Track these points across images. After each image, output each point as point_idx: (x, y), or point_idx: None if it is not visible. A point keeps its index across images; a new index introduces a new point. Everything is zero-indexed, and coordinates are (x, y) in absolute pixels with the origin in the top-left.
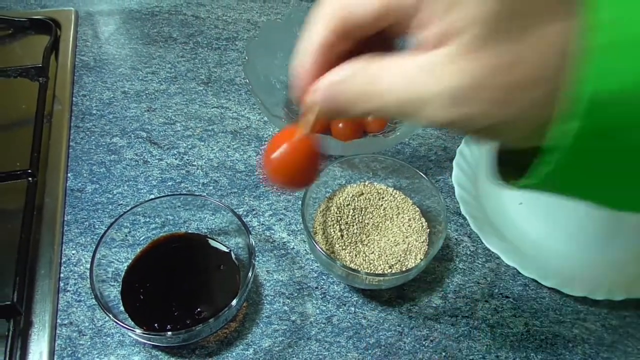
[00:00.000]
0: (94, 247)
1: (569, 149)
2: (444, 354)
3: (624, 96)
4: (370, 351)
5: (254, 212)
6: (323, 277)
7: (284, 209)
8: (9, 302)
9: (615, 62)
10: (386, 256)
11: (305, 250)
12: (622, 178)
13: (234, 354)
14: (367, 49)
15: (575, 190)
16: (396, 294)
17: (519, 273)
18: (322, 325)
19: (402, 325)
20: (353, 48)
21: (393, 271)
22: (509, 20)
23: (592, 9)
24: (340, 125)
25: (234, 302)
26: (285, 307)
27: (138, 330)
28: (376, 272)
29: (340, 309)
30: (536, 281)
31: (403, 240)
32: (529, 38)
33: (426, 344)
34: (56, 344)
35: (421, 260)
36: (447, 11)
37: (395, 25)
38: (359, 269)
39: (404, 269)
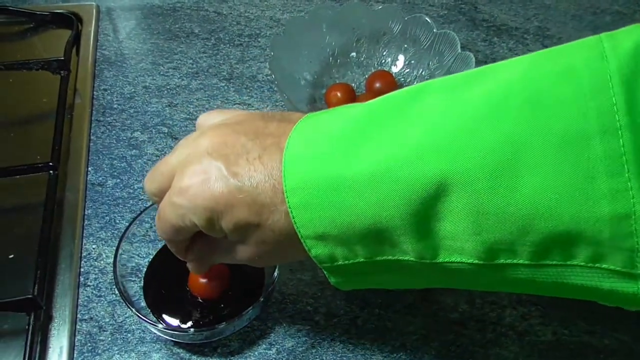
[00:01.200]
0: (115, 241)
1: (332, 270)
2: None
3: (334, 234)
4: (395, 354)
5: None
6: None
7: None
8: (30, 296)
9: (310, 214)
10: None
11: None
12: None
13: (256, 353)
14: None
15: (374, 286)
16: (421, 297)
17: None
18: (346, 326)
19: (427, 329)
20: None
21: None
22: (243, 227)
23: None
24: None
25: (260, 299)
26: (309, 307)
27: (160, 326)
28: None
29: (365, 310)
30: None
31: None
32: (262, 230)
33: (452, 349)
34: (76, 339)
35: None
36: (209, 233)
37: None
38: None
39: None
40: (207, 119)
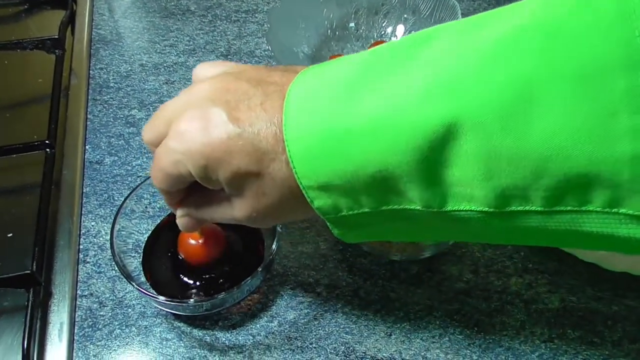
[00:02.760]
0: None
1: (336, 221)
2: (476, 329)
3: (336, 186)
4: (399, 325)
5: None
6: (349, 249)
7: None
8: (28, 272)
9: (312, 163)
10: None
11: None
12: (404, 238)
13: (257, 325)
14: None
15: (378, 238)
16: (425, 268)
17: (555, 248)
18: (349, 298)
19: (431, 299)
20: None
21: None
22: (242, 176)
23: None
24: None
25: (259, 269)
26: (311, 279)
27: (161, 298)
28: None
29: (368, 282)
30: (573, 256)
31: None
32: (262, 180)
33: (457, 318)
34: (76, 315)
35: None
36: (206, 184)
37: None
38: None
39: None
40: (206, 70)
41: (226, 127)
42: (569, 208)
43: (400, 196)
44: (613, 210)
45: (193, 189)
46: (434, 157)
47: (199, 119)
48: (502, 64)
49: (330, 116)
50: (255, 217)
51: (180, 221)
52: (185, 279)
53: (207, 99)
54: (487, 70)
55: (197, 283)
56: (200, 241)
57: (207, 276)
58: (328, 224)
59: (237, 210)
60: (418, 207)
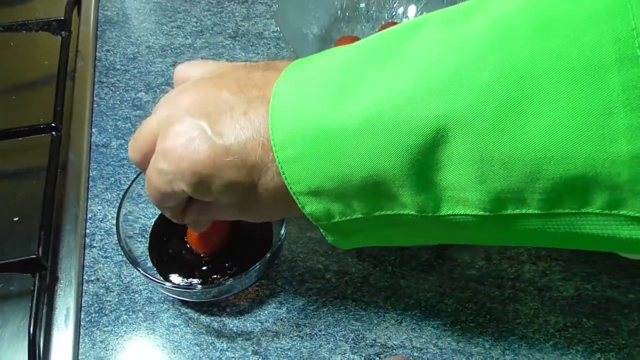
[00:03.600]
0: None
1: (328, 228)
2: (488, 316)
3: (328, 189)
4: (409, 312)
5: None
6: None
7: None
8: (34, 256)
9: (301, 168)
10: None
11: None
12: (397, 243)
13: (266, 312)
14: None
15: (374, 244)
16: (436, 254)
17: None
18: (359, 284)
19: (443, 287)
20: None
21: None
22: (234, 189)
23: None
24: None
25: (267, 255)
26: (320, 265)
27: (168, 284)
28: None
29: (377, 268)
30: None
31: None
32: (255, 190)
33: (469, 306)
34: (83, 300)
35: None
36: (199, 196)
37: None
38: None
39: None
40: (186, 71)
41: (212, 143)
42: (567, 210)
43: (393, 201)
44: (613, 212)
45: (192, 199)
46: (424, 160)
47: (183, 135)
48: (493, 59)
49: (318, 120)
50: (257, 217)
51: (191, 225)
52: (193, 264)
53: (188, 113)
54: (477, 67)
55: (205, 269)
56: (206, 232)
57: (215, 262)
58: (321, 230)
59: (235, 214)
60: (412, 213)
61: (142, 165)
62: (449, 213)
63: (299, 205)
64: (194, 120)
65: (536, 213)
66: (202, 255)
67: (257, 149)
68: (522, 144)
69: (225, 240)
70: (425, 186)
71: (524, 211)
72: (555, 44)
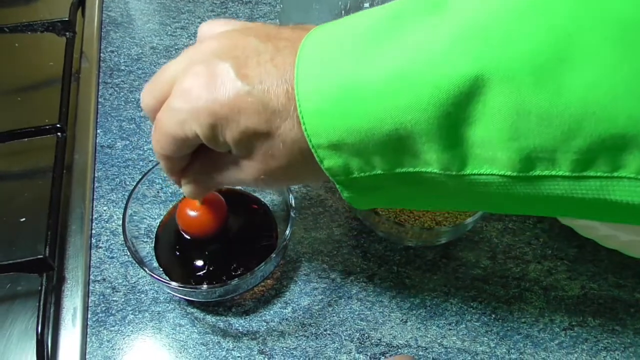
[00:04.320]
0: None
1: (346, 184)
2: (493, 315)
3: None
4: (414, 311)
5: None
6: (363, 235)
7: None
8: (41, 256)
9: (323, 120)
10: (433, 212)
11: (345, 208)
12: (415, 205)
13: (271, 311)
14: None
15: (390, 205)
16: (441, 254)
17: (575, 234)
18: (364, 284)
19: (448, 286)
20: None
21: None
22: (250, 136)
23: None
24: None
25: (273, 255)
26: (325, 265)
27: (174, 284)
28: (423, 227)
29: (382, 268)
30: (594, 242)
31: None
32: (272, 141)
33: (474, 305)
34: (90, 300)
35: (470, 216)
36: (213, 146)
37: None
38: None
39: (451, 226)
40: (211, 28)
41: (234, 84)
42: (599, 174)
43: (416, 158)
44: None
45: (197, 154)
46: (457, 113)
47: (204, 75)
48: (536, 15)
49: (347, 70)
50: (263, 179)
51: (186, 188)
52: (198, 264)
53: (213, 55)
54: (520, 22)
55: (210, 269)
56: (200, 212)
57: (219, 260)
58: (337, 186)
59: (244, 172)
60: (435, 171)
61: (154, 112)
62: (474, 172)
63: (317, 159)
64: (219, 61)
65: (566, 175)
66: (195, 240)
67: (280, 95)
68: (563, 99)
69: (216, 224)
70: (453, 142)
71: (553, 172)
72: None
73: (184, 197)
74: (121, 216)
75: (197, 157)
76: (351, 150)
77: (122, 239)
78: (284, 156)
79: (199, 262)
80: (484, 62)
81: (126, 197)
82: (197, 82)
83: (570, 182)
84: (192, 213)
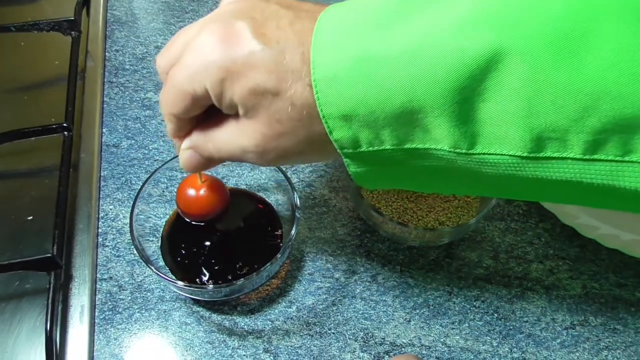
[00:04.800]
0: (132, 202)
1: (353, 157)
2: (496, 315)
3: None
4: (417, 311)
5: (293, 168)
6: (367, 235)
7: (325, 165)
8: (49, 255)
9: (336, 90)
10: (436, 212)
11: (348, 207)
12: (419, 186)
13: (276, 311)
14: None
15: (395, 186)
16: (444, 254)
17: (577, 233)
18: (367, 283)
19: (451, 285)
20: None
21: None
22: (259, 94)
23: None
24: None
25: (278, 255)
26: (329, 265)
27: (180, 283)
28: (426, 227)
29: (386, 268)
30: (595, 242)
31: (454, 196)
32: (279, 103)
33: (477, 304)
34: (97, 298)
35: (473, 217)
36: (220, 103)
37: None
38: (408, 224)
39: (454, 226)
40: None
41: (249, 41)
42: (610, 157)
43: (426, 133)
44: None
45: (201, 121)
46: (472, 88)
47: (220, 32)
48: None
49: (365, 40)
50: (264, 148)
51: (184, 155)
52: (204, 263)
53: (231, 15)
54: None
55: (216, 268)
56: (200, 192)
57: (225, 260)
58: (344, 159)
59: (247, 137)
60: (444, 148)
61: (168, 70)
62: (483, 151)
63: (327, 130)
64: (236, 20)
65: (577, 157)
66: (193, 220)
67: (295, 57)
68: (582, 76)
69: (215, 205)
70: (465, 118)
71: (564, 154)
72: None
73: (183, 180)
74: (127, 215)
75: (202, 125)
76: (362, 122)
77: (128, 237)
78: (290, 121)
79: (205, 261)
80: (504, 36)
81: (132, 196)
82: (212, 38)
83: (580, 165)
84: (192, 192)
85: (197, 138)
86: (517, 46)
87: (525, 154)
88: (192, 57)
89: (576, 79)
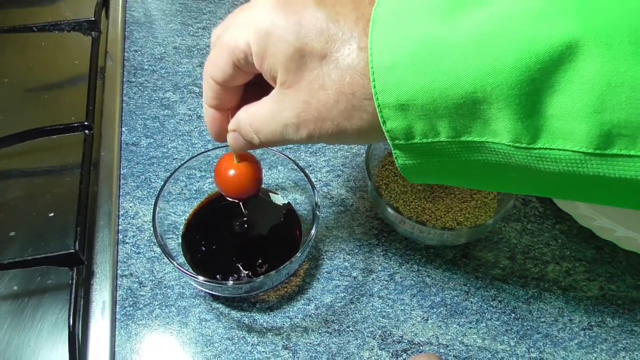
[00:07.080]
0: (151, 200)
1: (404, 149)
2: (513, 315)
3: (418, 103)
4: (435, 310)
5: (311, 168)
6: (384, 234)
7: (342, 165)
8: (72, 250)
9: (396, 77)
10: (454, 212)
11: (365, 207)
12: (472, 182)
13: (295, 308)
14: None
15: (442, 181)
16: (461, 253)
17: (593, 235)
18: (385, 282)
19: (468, 285)
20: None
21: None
22: (304, 55)
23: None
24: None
25: (298, 254)
26: (346, 264)
27: (201, 278)
28: (444, 227)
29: (403, 267)
30: (612, 244)
31: (471, 197)
32: (324, 67)
33: (494, 304)
34: (118, 294)
35: (490, 217)
36: (262, 64)
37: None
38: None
39: (472, 226)
40: None
41: (305, 5)
42: None
43: (485, 126)
44: None
45: (244, 100)
46: (542, 79)
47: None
48: None
49: (428, 25)
50: (305, 118)
51: (229, 137)
52: (224, 260)
53: None
54: None
55: (236, 266)
56: (237, 172)
57: (245, 257)
58: (394, 151)
59: (287, 109)
60: (503, 142)
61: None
62: (545, 146)
63: (381, 120)
64: None
65: None
66: (234, 200)
67: (348, 20)
68: None
69: (251, 185)
70: (531, 111)
71: (632, 152)
72: None
73: (220, 159)
74: (146, 212)
75: (243, 107)
76: (419, 112)
77: (148, 235)
78: (333, 87)
79: (225, 259)
80: (580, 27)
81: (151, 193)
82: (267, 3)
83: None
84: (230, 172)
85: (239, 120)
86: (594, 37)
87: (590, 150)
88: (242, 16)
89: None
